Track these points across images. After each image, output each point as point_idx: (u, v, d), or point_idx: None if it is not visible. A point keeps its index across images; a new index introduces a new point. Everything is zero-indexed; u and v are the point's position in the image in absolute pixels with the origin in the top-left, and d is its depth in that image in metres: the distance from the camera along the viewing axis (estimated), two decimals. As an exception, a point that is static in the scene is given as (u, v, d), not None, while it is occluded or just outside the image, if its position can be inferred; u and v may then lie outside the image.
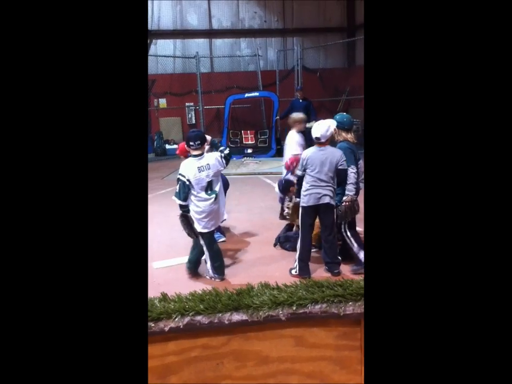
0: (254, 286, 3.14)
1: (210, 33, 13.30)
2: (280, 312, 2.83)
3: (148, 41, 12.37)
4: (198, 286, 3.58)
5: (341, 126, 3.95)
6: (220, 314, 2.83)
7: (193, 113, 12.88)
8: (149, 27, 12.33)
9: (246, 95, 11.71)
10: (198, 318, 2.82)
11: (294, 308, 2.83)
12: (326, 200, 3.75)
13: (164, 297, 3.03)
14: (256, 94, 11.96)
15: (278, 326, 2.87)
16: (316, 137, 3.84)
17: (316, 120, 10.88)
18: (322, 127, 3.85)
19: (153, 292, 3.38)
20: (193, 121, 12.82)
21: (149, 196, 6.43)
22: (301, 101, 10.04)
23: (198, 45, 13.11)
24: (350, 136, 3.97)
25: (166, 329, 2.77)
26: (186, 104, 12.81)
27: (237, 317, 2.84)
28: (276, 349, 2.89)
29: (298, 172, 3.97)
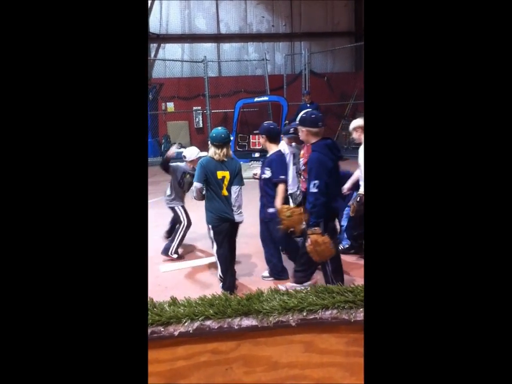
0: (264, 291, 3.12)
1: (218, 38, 13.36)
2: (290, 317, 2.81)
3: (156, 45, 12.46)
4: (207, 291, 3.58)
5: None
6: (230, 319, 2.81)
7: (200, 117, 12.93)
8: (157, 31, 12.40)
9: (256, 99, 11.70)
10: (208, 322, 2.80)
11: (304, 314, 2.80)
12: None
13: (174, 301, 3.02)
14: (266, 98, 11.95)
15: (287, 331, 2.85)
16: (184, 157, 4.75)
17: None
18: (192, 151, 4.75)
19: (160, 295, 3.39)
20: (201, 125, 12.87)
21: (156, 198, 6.45)
22: (308, 105, 10.10)
23: (206, 49, 13.17)
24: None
25: (176, 333, 2.76)
26: (194, 108, 12.87)
27: (246, 322, 2.82)
28: (285, 355, 2.87)
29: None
